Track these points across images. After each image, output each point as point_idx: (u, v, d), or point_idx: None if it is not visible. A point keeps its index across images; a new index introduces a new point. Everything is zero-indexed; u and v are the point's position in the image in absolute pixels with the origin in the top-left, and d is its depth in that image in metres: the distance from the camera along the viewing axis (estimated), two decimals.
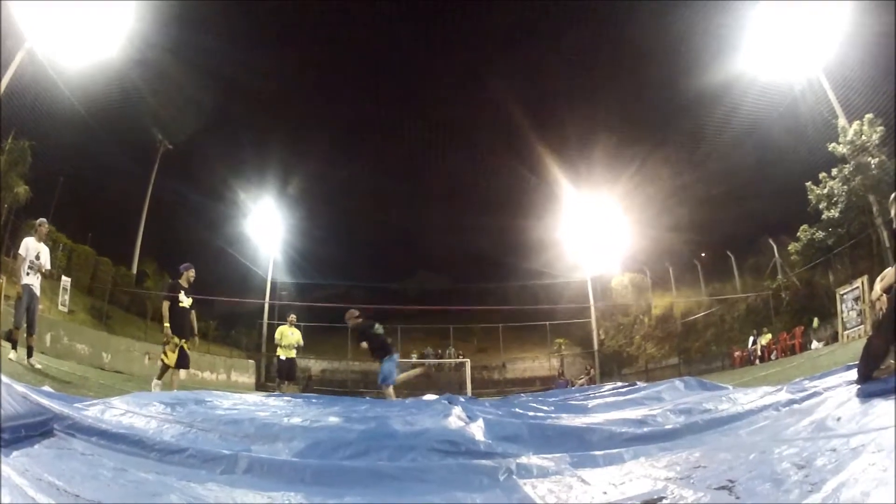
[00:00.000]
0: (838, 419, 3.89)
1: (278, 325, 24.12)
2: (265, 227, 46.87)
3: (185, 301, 13.63)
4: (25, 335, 14.31)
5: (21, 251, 14.24)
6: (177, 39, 37.75)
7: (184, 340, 13.53)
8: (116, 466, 3.85)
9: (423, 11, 56.14)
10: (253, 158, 51.05)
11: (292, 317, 21.28)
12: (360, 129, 63.03)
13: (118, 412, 5.74)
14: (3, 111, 27.84)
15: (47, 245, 15.07)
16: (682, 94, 41.16)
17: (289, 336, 20.04)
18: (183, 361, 13.58)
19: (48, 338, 22.77)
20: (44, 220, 15.14)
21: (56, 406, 4.68)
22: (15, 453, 3.48)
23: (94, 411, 5.67)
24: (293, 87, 55.87)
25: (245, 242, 47.43)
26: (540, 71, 57.98)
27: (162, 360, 13.42)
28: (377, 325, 17.36)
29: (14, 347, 14.21)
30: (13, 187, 31.39)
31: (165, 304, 13.55)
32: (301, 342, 20.53)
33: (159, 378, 13.31)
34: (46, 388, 7.01)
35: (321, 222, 52.27)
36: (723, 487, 2.94)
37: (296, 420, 6.06)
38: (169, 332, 13.26)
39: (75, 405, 5.87)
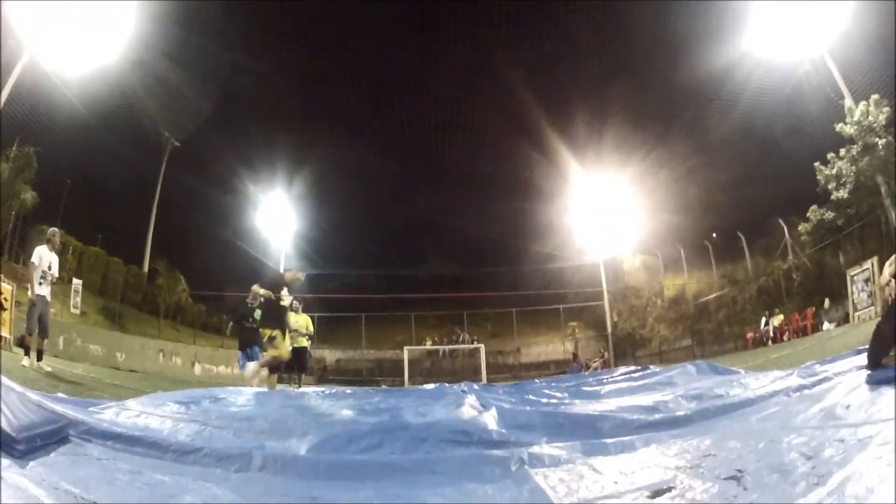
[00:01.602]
0: (847, 407, 3.87)
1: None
2: (276, 218, 46.83)
3: (286, 300, 13.52)
4: (38, 339, 14.24)
5: (34, 259, 14.15)
6: (176, 41, 37.84)
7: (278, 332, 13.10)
8: (132, 469, 3.87)
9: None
10: (261, 150, 51.12)
11: (295, 303, 20.34)
12: (368, 117, 63.00)
13: (133, 414, 5.75)
14: (7, 118, 27.89)
15: (58, 253, 15.10)
16: (688, 75, 41.09)
17: (293, 323, 18.30)
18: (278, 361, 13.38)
19: (61, 341, 22.89)
20: (56, 230, 15.17)
21: (70, 412, 4.69)
22: (31, 463, 3.50)
23: (109, 414, 5.68)
24: (300, 76, 55.85)
25: (256, 235, 47.43)
26: (547, 55, 57.90)
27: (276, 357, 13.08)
28: (256, 314, 17.52)
29: (27, 353, 14.28)
30: (20, 193, 31.56)
31: (256, 290, 13.15)
32: (311, 328, 19.50)
33: (271, 384, 13.08)
34: (60, 394, 7.02)
35: (331, 212, 52.24)
36: (731, 477, 2.94)
37: (309, 415, 6.10)
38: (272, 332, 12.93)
39: (90, 409, 5.89)
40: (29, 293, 14.25)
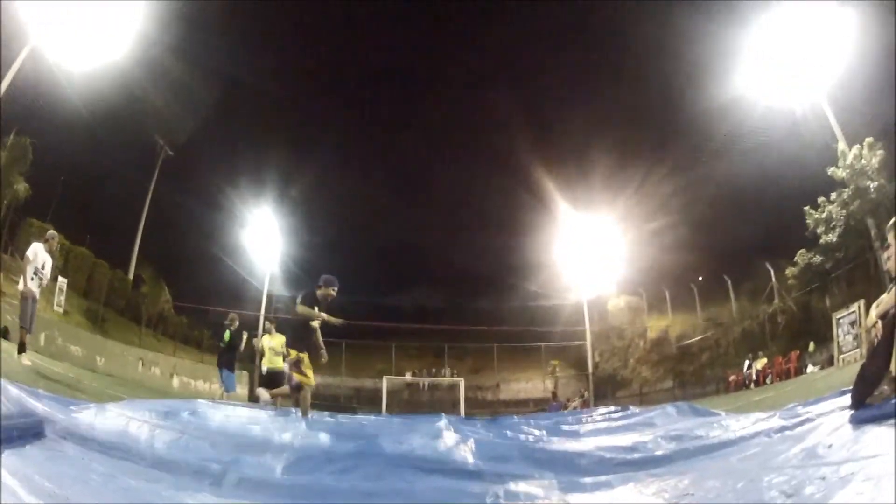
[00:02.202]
0: (829, 446, 3.86)
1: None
2: (263, 237, 46.37)
3: (316, 321, 11.94)
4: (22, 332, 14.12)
5: (30, 254, 14.04)
6: (181, 40, 37.83)
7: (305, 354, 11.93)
8: (106, 472, 3.86)
9: (427, 26, 56.51)
10: (253, 168, 51.12)
11: (268, 325, 19.79)
12: (359, 144, 63.24)
13: (111, 418, 5.71)
14: (6, 108, 27.69)
15: (53, 256, 15.01)
16: (681, 115, 41.40)
17: (267, 343, 18.22)
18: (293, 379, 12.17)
19: (42, 337, 22.70)
20: (54, 233, 15.11)
21: (49, 409, 4.71)
22: (6, 452, 3.47)
23: (87, 416, 5.65)
24: (295, 96, 56.06)
25: (242, 252, 47.01)
26: (539, 92, 58.31)
27: (301, 382, 11.87)
28: (226, 334, 18.01)
29: (23, 351, 13.95)
30: (13, 184, 31.43)
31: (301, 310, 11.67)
32: (285, 348, 18.92)
33: (305, 413, 11.57)
34: (40, 390, 6.97)
35: (319, 234, 52.08)
36: None
37: (286, 435, 6.06)
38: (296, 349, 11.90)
39: (70, 408, 5.88)
40: (20, 286, 14.13)
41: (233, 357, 18.43)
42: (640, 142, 51.20)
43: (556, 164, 47.95)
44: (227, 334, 18.09)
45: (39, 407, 4.52)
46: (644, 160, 48.61)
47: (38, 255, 14.02)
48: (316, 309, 11.76)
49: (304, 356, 11.79)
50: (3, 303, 19.85)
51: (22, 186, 32.20)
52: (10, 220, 33.17)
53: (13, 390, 4.29)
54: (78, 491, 3.19)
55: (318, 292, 11.96)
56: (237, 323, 18.48)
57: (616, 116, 53.20)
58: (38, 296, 14.29)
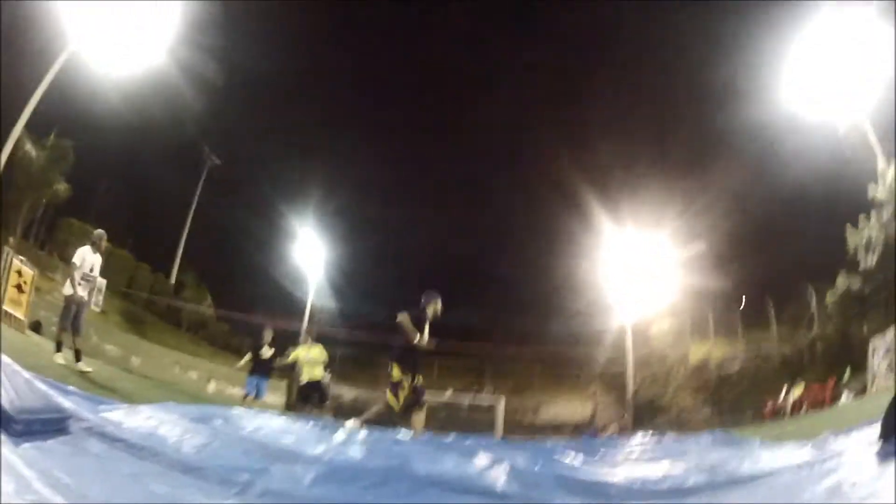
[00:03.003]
0: (854, 484, 3.81)
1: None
2: (308, 248, 46.41)
3: (425, 339, 11.30)
4: (72, 337, 14.15)
5: (76, 260, 14.14)
6: (222, 43, 38.11)
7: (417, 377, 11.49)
8: (130, 473, 3.89)
9: (474, 33, 56.88)
10: (298, 178, 51.22)
11: (305, 336, 19.44)
12: (404, 158, 63.48)
13: (141, 419, 5.75)
14: (45, 110, 27.80)
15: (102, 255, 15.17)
16: (722, 133, 41.13)
17: (304, 355, 17.98)
18: (419, 398, 11.51)
19: None
20: (102, 232, 15.26)
21: (77, 405, 4.75)
22: (26, 445, 3.54)
23: (117, 415, 5.70)
24: (339, 102, 56.39)
25: (286, 263, 47.15)
26: (583, 109, 58.35)
27: (387, 402, 11.41)
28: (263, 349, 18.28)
29: (59, 349, 14.01)
30: (53, 184, 31.84)
31: (407, 326, 11.12)
32: (324, 356, 18.33)
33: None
34: (70, 386, 7.01)
35: (364, 251, 51.83)
36: None
37: (319, 448, 6.07)
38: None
39: (99, 407, 5.95)
40: (66, 290, 14.13)
41: (265, 367, 18.49)
42: (684, 159, 50.98)
43: (600, 183, 47.74)
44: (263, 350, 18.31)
45: (67, 403, 4.57)
46: (686, 177, 48.50)
47: (86, 258, 14.13)
48: (426, 328, 11.32)
49: (406, 379, 11.28)
50: (38, 298, 20.09)
51: (62, 187, 32.66)
52: (49, 219, 33.67)
53: (41, 385, 4.39)
54: (98, 489, 3.21)
55: (429, 309, 11.55)
56: (272, 335, 18.57)
57: (660, 131, 53.13)
58: (87, 298, 14.35)
